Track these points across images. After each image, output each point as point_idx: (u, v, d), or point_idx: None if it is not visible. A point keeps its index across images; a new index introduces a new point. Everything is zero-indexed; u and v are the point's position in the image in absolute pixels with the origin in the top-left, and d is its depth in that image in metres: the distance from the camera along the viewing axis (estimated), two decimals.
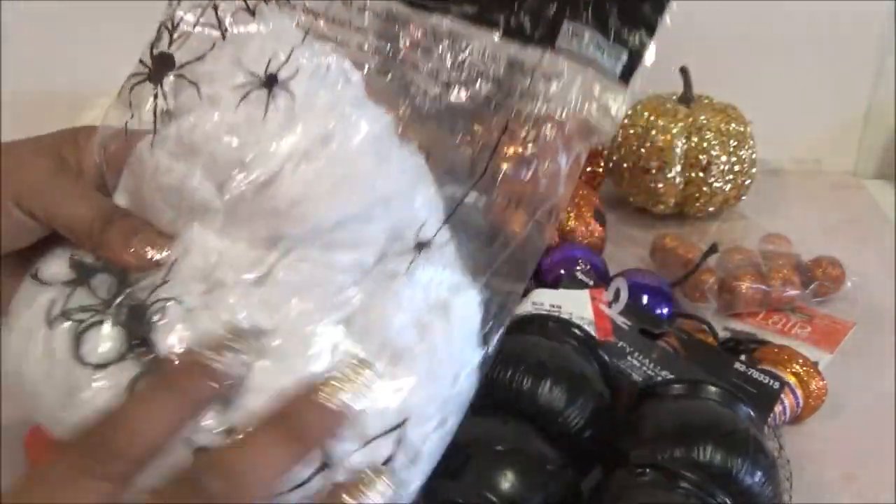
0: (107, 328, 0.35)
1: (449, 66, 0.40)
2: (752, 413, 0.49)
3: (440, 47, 0.40)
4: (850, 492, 0.53)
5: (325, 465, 0.35)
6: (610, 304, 0.62)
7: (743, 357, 0.59)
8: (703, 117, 0.81)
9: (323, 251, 0.36)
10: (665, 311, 0.67)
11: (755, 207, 0.88)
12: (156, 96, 0.38)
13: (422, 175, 0.40)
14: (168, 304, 0.35)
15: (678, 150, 0.81)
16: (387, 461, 0.36)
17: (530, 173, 0.39)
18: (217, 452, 0.33)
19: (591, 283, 0.65)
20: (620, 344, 0.58)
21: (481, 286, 0.40)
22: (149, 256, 0.37)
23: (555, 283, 0.66)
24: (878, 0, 0.89)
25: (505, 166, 0.40)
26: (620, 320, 0.61)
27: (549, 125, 0.38)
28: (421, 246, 0.38)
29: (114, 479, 0.31)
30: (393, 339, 0.36)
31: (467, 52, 0.40)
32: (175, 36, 0.39)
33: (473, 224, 0.40)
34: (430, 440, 0.37)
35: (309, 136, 0.36)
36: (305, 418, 0.33)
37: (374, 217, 0.37)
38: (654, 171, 0.81)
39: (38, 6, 0.87)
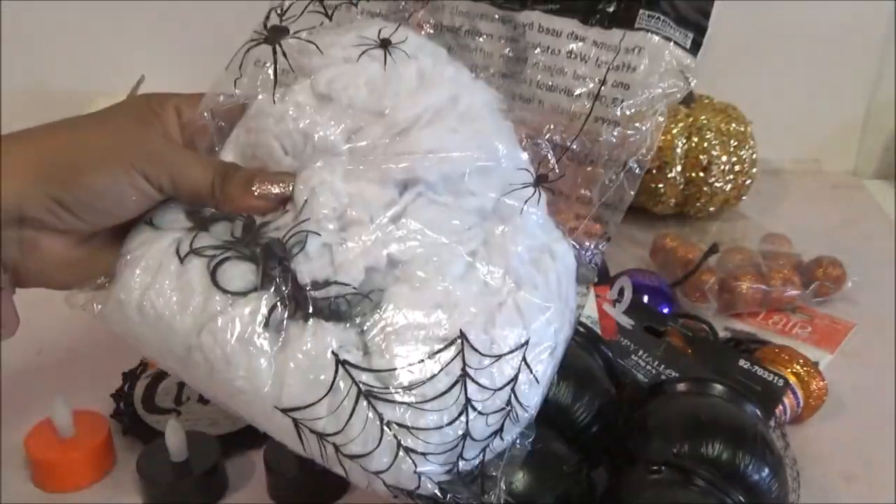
0: (240, 262, 0.38)
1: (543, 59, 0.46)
2: (758, 411, 0.49)
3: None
4: (850, 492, 0.53)
5: (463, 376, 0.37)
6: (614, 304, 0.62)
7: (745, 357, 0.59)
8: (703, 117, 0.81)
9: (451, 195, 0.40)
10: (665, 311, 0.67)
11: (755, 207, 0.88)
12: (275, 52, 0.41)
13: (515, 139, 0.44)
14: (307, 236, 0.38)
15: (678, 150, 0.81)
16: (512, 379, 0.39)
17: (620, 130, 0.44)
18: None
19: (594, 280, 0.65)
20: (625, 342, 0.59)
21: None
22: (274, 192, 0.39)
23: None
24: (878, 0, 0.89)
25: (601, 128, 0.45)
26: (624, 319, 0.61)
27: (639, 89, 0.44)
28: (537, 182, 0.42)
29: None
30: (515, 268, 0.40)
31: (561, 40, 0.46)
32: (284, 18, 0.43)
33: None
34: (543, 363, 0.40)
35: (441, 96, 0.41)
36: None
37: (494, 169, 0.41)
38: (654, 171, 0.81)
39: (38, 6, 0.87)
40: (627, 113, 0.44)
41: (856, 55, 0.92)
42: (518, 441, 0.41)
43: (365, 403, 0.37)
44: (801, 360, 0.59)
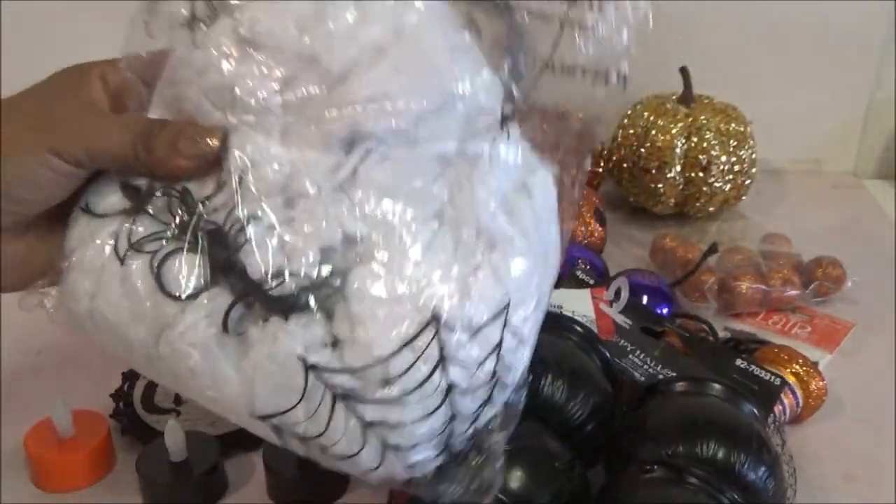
0: (187, 256, 0.34)
1: None
2: (755, 410, 0.49)
3: None
4: (850, 492, 0.53)
5: (442, 360, 0.35)
6: (611, 304, 0.62)
7: (743, 357, 0.59)
8: (703, 117, 0.81)
9: (404, 147, 0.35)
10: (665, 311, 0.67)
11: (755, 207, 0.88)
12: None
13: (480, 59, 0.38)
14: (249, 223, 0.34)
15: (678, 150, 0.81)
16: (496, 347, 0.36)
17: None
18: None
19: (592, 282, 0.65)
20: (622, 342, 0.59)
21: (552, 163, 0.40)
22: (204, 150, 0.35)
23: (555, 283, 0.66)
24: (878, 0, 0.89)
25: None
26: (621, 319, 0.61)
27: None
28: (504, 121, 0.37)
29: None
30: (487, 225, 0.36)
31: None
32: None
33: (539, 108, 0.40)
34: (529, 321, 0.38)
35: (382, 28, 0.35)
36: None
37: (450, 105, 0.36)
38: (654, 171, 0.81)
39: (39, 6, 0.87)
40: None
41: (856, 55, 0.92)
42: (511, 399, 0.39)
43: (342, 406, 0.35)
44: (801, 360, 0.59)
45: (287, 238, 0.34)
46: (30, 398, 0.59)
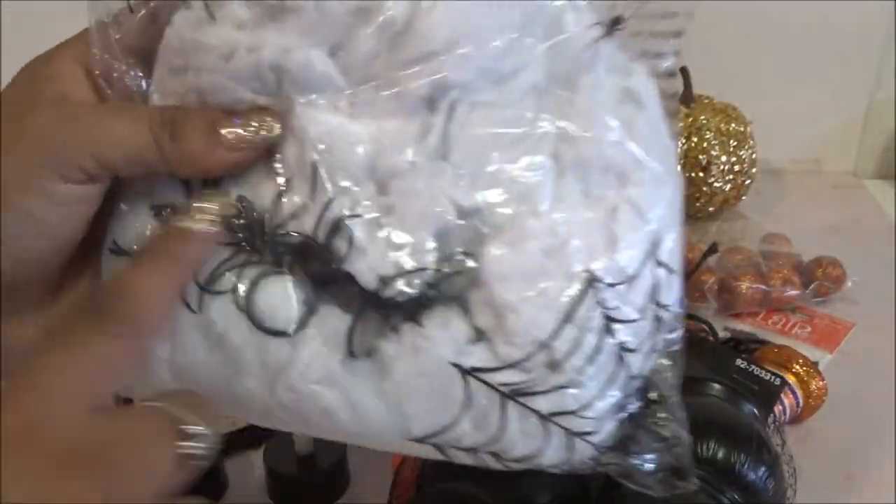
0: (276, 282, 0.28)
1: None
2: (755, 410, 0.49)
3: None
4: (850, 492, 0.53)
5: (607, 323, 0.30)
6: None
7: (743, 356, 0.59)
8: (703, 117, 0.81)
9: (492, 88, 0.29)
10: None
11: (755, 207, 0.88)
12: None
13: None
14: (349, 223, 0.28)
15: (678, 150, 0.81)
16: (653, 289, 0.31)
17: None
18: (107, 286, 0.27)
19: None
20: None
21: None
22: (254, 137, 0.27)
23: None
24: (878, 0, 0.89)
25: None
26: None
27: None
28: (611, 26, 0.31)
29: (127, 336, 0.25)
30: (610, 154, 0.30)
31: None
32: None
33: None
34: (675, 247, 0.32)
35: None
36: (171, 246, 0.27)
37: (531, 21, 0.30)
38: None
39: (39, 6, 0.87)
40: None
41: (856, 55, 0.92)
42: (672, 337, 0.34)
43: (513, 405, 0.30)
44: (801, 360, 0.59)
45: (394, 230, 0.28)
46: None
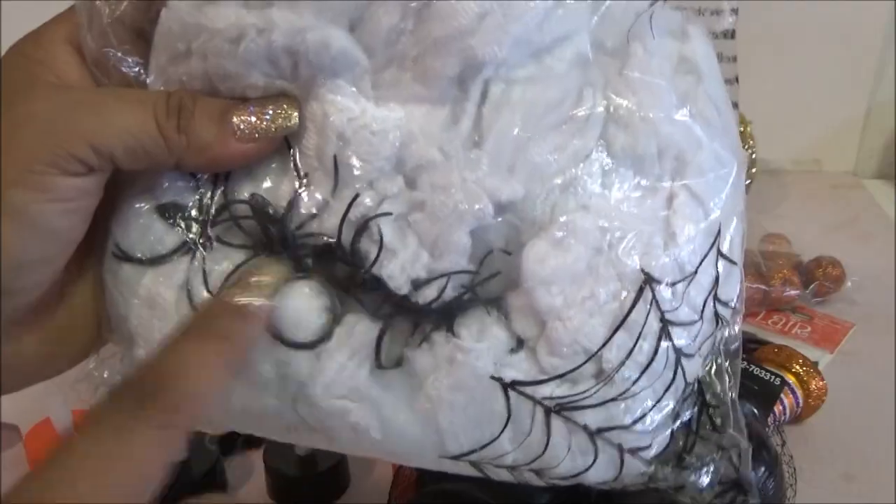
0: (298, 287, 0.25)
1: None
2: (755, 410, 0.49)
3: None
4: (850, 492, 0.53)
5: (664, 327, 0.27)
6: None
7: (743, 357, 0.59)
8: None
9: (530, 63, 0.26)
10: None
11: (755, 207, 0.88)
12: None
13: None
14: (377, 222, 0.25)
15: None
16: (714, 285, 0.29)
17: None
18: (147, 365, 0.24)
19: None
20: None
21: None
22: (271, 126, 0.25)
23: None
24: (878, 0, 0.89)
25: None
26: None
27: None
28: None
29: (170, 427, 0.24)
30: (667, 133, 0.27)
31: None
32: None
33: None
34: (737, 236, 0.29)
35: None
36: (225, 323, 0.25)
37: None
38: None
39: (39, 6, 0.87)
40: None
41: (856, 55, 0.92)
42: (730, 335, 0.31)
43: (559, 420, 0.27)
44: (801, 360, 0.58)
45: (426, 228, 0.25)
46: (30, 398, 0.59)
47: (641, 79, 0.27)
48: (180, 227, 0.26)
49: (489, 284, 0.26)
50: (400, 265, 0.25)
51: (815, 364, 0.59)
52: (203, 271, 0.26)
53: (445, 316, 0.26)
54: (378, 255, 0.25)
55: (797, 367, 0.58)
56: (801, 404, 0.57)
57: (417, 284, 0.25)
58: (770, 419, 0.51)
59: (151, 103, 0.24)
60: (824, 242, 0.77)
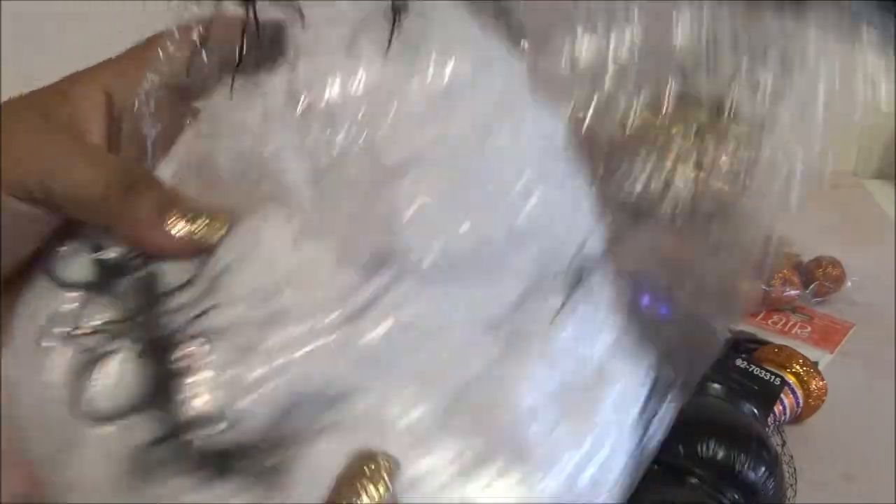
0: (119, 363, 0.25)
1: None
2: (755, 410, 0.49)
3: None
4: (850, 492, 0.53)
5: None
6: None
7: (743, 356, 0.59)
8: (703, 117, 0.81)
9: (448, 282, 0.24)
10: (663, 312, 0.67)
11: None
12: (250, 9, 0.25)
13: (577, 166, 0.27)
14: (200, 346, 0.24)
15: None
16: None
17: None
18: None
19: None
20: None
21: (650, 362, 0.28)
22: (195, 236, 0.26)
23: None
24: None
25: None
26: None
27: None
28: (580, 275, 0.26)
29: None
30: (519, 435, 0.25)
31: None
32: None
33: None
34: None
35: (463, 125, 0.25)
36: None
37: (529, 232, 0.25)
38: None
39: (39, 6, 0.87)
40: None
41: None
42: None
43: None
44: (801, 360, 0.59)
45: (253, 370, 0.24)
46: None
47: (533, 365, 0.26)
48: (96, 274, 0.26)
49: (274, 458, 0.24)
50: (207, 389, 0.24)
51: (815, 364, 0.59)
52: (77, 311, 0.26)
53: (217, 463, 0.24)
54: (189, 367, 0.24)
55: (797, 367, 0.58)
56: (801, 404, 0.57)
57: (211, 417, 0.24)
58: (770, 419, 0.51)
59: (111, 170, 0.26)
60: (824, 242, 0.77)
